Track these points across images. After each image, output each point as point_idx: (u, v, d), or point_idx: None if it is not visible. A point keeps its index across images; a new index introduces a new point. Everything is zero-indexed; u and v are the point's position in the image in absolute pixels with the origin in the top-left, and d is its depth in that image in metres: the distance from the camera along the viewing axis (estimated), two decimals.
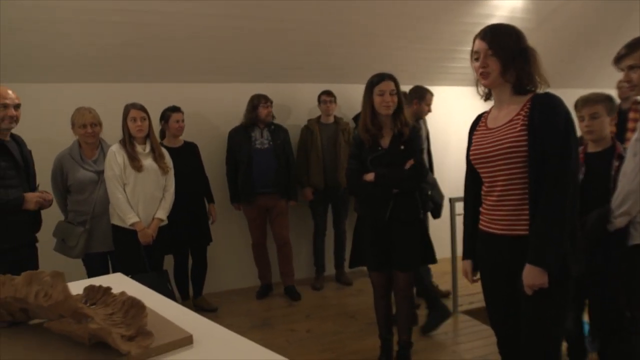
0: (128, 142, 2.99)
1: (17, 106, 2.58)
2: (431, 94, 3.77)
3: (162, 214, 3.07)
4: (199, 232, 3.67)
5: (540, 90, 1.68)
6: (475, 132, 1.82)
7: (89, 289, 1.05)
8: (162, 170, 3.07)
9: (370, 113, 2.51)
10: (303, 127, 4.30)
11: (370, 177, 2.52)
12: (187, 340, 0.94)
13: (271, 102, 3.93)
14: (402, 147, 2.50)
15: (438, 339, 3.26)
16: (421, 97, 3.72)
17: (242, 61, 4.09)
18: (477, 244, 1.86)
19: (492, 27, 1.68)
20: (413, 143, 2.52)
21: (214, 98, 4.25)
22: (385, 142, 2.54)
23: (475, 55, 1.70)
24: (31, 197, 2.58)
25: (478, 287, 3.82)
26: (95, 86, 3.80)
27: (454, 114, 5.16)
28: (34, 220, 2.71)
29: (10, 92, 2.57)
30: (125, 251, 2.97)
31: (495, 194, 1.71)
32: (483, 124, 1.80)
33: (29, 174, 2.71)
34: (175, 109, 3.61)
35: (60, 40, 3.42)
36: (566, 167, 1.55)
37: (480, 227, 1.82)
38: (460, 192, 2.13)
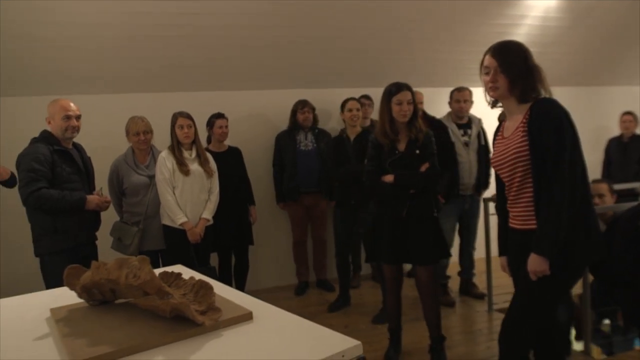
0: (176, 148, 3.21)
1: (78, 117, 2.83)
2: (457, 89, 3.89)
3: (208, 214, 3.28)
4: (241, 234, 3.87)
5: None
6: (495, 140, 2.03)
7: (163, 274, 1.24)
8: (207, 174, 3.28)
9: (388, 120, 2.72)
10: (340, 130, 4.46)
11: (389, 178, 2.73)
12: (248, 316, 1.10)
13: (311, 108, 4.14)
14: (418, 151, 2.72)
15: (472, 336, 3.34)
16: (449, 99, 3.91)
17: (285, 68, 4.30)
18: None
19: (502, 45, 1.84)
20: (427, 147, 2.75)
21: (258, 104, 4.48)
22: (402, 146, 2.76)
23: (485, 69, 1.87)
24: (92, 199, 2.84)
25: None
26: (145, 96, 4.07)
27: (489, 116, 5.19)
28: (95, 220, 2.97)
29: (72, 104, 2.82)
30: (175, 249, 3.19)
31: (512, 194, 1.91)
32: (500, 132, 1.99)
33: (89, 179, 2.98)
34: (219, 116, 3.82)
35: (112, 56, 3.71)
36: (561, 165, 1.71)
37: (508, 223, 1.99)
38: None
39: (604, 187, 3.19)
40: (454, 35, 4.44)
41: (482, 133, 3.94)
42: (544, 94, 1.83)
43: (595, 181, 3.22)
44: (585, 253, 1.80)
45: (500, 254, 2.12)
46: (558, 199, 1.71)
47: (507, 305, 3.74)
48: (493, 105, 1.98)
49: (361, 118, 4.39)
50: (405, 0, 3.94)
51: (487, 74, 1.86)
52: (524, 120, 1.81)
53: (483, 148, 3.91)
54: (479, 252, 4.11)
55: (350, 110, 3.76)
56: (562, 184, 1.70)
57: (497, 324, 3.57)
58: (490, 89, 1.86)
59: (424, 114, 4.44)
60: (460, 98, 3.84)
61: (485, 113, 4.37)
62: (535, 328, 1.90)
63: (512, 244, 1.98)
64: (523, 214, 1.87)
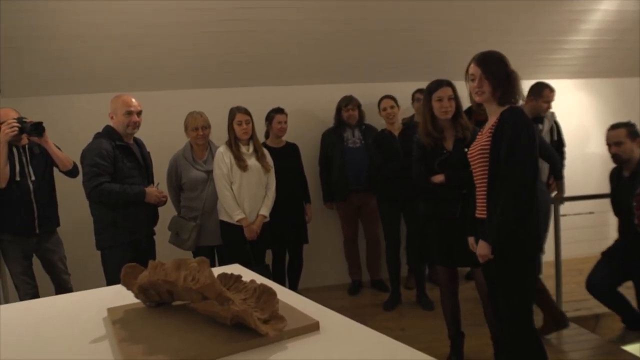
0: (233, 143, 3.18)
1: (139, 113, 2.86)
2: (550, 90, 3.61)
3: (266, 210, 3.23)
4: (296, 232, 3.79)
5: (518, 104, 2.14)
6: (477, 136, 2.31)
7: (222, 276, 1.16)
8: (264, 169, 3.23)
9: (430, 118, 2.65)
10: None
11: (439, 178, 2.62)
12: (314, 327, 1.00)
13: (356, 105, 3.99)
14: (466, 149, 2.53)
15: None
16: (537, 94, 3.61)
17: (338, 62, 4.19)
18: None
19: (485, 56, 2.15)
20: None
21: (309, 100, 4.39)
22: (449, 145, 2.65)
23: (471, 76, 2.15)
24: (151, 192, 2.87)
25: (585, 293, 3.61)
26: (201, 92, 4.09)
27: (555, 108, 4.88)
28: (153, 215, 2.99)
29: (133, 100, 2.86)
30: (232, 245, 3.16)
31: (476, 184, 2.22)
32: (480, 131, 2.26)
33: (148, 173, 3.00)
34: (278, 111, 3.75)
35: (172, 53, 3.75)
36: (512, 166, 1.98)
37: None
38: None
39: (621, 133, 3.07)
40: (518, 24, 4.16)
41: (554, 127, 3.68)
42: (520, 100, 2.15)
43: (612, 127, 3.20)
44: (531, 246, 2.10)
45: (470, 234, 2.37)
46: (507, 195, 2.00)
47: (577, 314, 3.55)
48: (478, 106, 2.32)
49: (417, 113, 4.24)
50: None
51: (472, 80, 2.15)
52: (494, 124, 2.09)
53: (555, 143, 3.64)
54: (547, 255, 3.85)
55: (385, 109, 3.72)
56: (511, 183, 1.99)
57: (567, 335, 3.31)
58: (477, 94, 2.13)
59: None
60: (551, 99, 3.59)
61: (560, 106, 4.06)
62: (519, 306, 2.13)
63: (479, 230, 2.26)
64: (480, 204, 2.18)
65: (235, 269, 1.66)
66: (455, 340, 2.85)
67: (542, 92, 3.58)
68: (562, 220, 3.53)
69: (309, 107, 4.40)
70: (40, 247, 2.98)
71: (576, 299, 3.83)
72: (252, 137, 3.24)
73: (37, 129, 2.80)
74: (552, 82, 4.94)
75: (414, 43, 4.16)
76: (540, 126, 3.61)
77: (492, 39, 4.25)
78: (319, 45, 3.98)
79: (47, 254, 3.02)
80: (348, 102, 3.98)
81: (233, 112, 3.19)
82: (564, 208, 3.59)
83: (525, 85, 4.09)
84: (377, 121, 4.15)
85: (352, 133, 4.02)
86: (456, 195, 2.58)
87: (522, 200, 1.99)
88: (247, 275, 1.51)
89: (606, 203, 3.49)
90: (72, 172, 3.05)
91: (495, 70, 2.10)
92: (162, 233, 3.19)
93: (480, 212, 2.18)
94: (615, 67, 4.96)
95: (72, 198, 3.23)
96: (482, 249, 2.12)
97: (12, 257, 2.92)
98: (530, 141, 2.01)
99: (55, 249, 3.04)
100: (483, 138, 2.14)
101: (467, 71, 2.19)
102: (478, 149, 2.15)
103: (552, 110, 3.71)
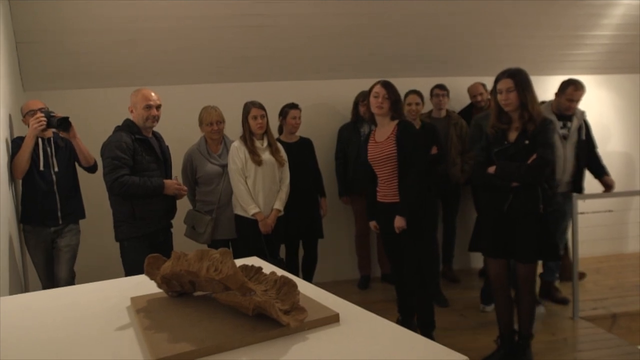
0: (248, 138, 3.20)
1: (158, 106, 2.89)
2: (575, 88, 3.52)
3: (280, 205, 3.25)
4: (311, 226, 3.80)
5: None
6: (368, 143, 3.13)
7: (243, 268, 1.17)
8: (278, 163, 3.25)
9: (496, 110, 2.68)
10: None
11: (492, 169, 2.65)
12: (334, 318, 1.01)
13: None
14: (527, 141, 2.57)
15: (557, 345, 3.10)
16: (560, 90, 3.56)
17: (356, 57, 4.19)
18: None
19: (386, 82, 2.99)
20: (537, 138, 2.56)
21: (326, 95, 4.40)
22: (513, 136, 2.66)
23: (375, 94, 2.97)
24: (170, 184, 2.90)
25: (601, 292, 3.58)
26: (215, 87, 4.12)
27: (596, 106, 4.80)
28: (171, 208, 3.02)
29: (153, 94, 2.88)
30: (247, 239, 3.19)
31: (383, 179, 2.99)
32: (372, 138, 3.09)
33: (167, 167, 3.03)
34: (293, 106, 3.75)
35: (189, 47, 3.77)
36: (416, 162, 2.87)
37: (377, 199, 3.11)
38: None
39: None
40: (538, 19, 4.12)
41: (583, 126, 3.60)
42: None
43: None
44: (429, 216, 3.06)
45: (371, 219, 3.16)
46: (413, 183, 2.84)
47: (594, 312, 3.52)
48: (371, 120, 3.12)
49: (436, 109, 4.21)
50: None
51: (376, 97, 2.91)
52: (394, 133, 2.88)
53: (583, 143, 3.57)
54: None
55: (410, 104, 3.76)
56: (415, 174, 2.84)
57: (583, 334, 3.29)
58: (377, 108, 2.91)
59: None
60: (574, 98, 3.50)
61: (589, 105, 3.96)
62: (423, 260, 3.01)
63: (381, 212, 3.02)
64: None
65: (254, 261, 1.67)
66: (505, 340, 2.80)
67: (565, 89, 3.53)
68: (580, 218, 3.49)
69: (326, 102, 4.42)
70: (59, 236, 3.02)
71: (593, 298, 3.80)
72: (267, 131, 3.25)
73: (64, 123, 2.85)
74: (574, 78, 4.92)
75: (432, 38, 4.13)
76: (568, 123, 3.54)
77: (510, 34, 4.22)
78: (336, 40, 3.98)
79: (60, 242, 3.01)
80: (365, 96, 3.96)
81: (248, 106, 3.21)
82: (583, 206, 3.55)
83: (546, 81, 4.07)
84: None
85: (369, 128, 4.01)
86: (507, 187, 2.61)
87: (422, 184, 2.92)
88: (267, 267, 1.52)
89: (625, 201, 3.45)
90: (92, 169, 3.13)
91: (395, 92, 2.95)
92: (178, 226, 3.23)
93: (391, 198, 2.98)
94: (636, 63, 4.87)
95: (94, 191, 3.29)
96: (400, 222, 2.86)
97: (32, 246, 2.99)
98: (425, 145, 3.19)
99: (70, 237, 3.05)
100: (387, 145, 2.94)
101: (370, 90, 2.97)
102: (386, 154, 2.92)
103: (582, 109, 3.63)
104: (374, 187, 3.05)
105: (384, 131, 2.94)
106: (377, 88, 2.91)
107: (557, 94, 3.57)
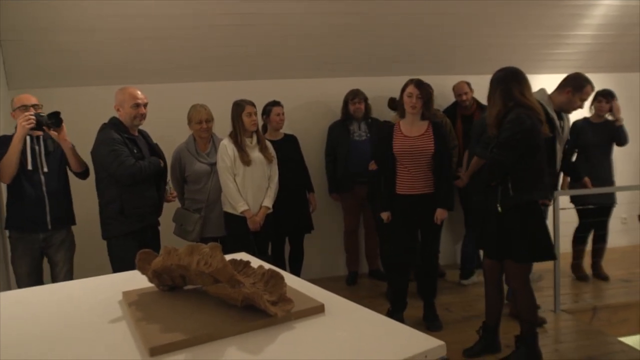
0: (239, 135, 3.21)
1: (145, 105, 2.89)
2: (592, 88, 3.19)
3: (269, 202, 3.28)
4: (299, 221, 3.84)
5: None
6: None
7: (232, 262, 1.21)
8: (267, 160, 3.28)
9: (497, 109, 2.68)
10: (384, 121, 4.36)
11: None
12: (320, 309, 1.06)
13: (363, 98, 4.06)
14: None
15: (539, 337, 3.17)
16: (578, 88, 3.13)
17: (345, 56, 4.23)
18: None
19: (420, 81, 3.05)
20: (499, 137, 2.57)
21: (316, 93, 4.43)
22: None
23: (409, 94, 3.05)
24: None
25: (582, 286, 3.65)
26: (202, 85, 4.11)
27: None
28: (159, 206, 3.04)
29: (139, 92, 2.87)
30: (236, 236, 3.21)
31: (413, 172, 3.12)
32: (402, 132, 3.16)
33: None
34: (275, 103, 3.80)
35: (176, 46, 3.78)
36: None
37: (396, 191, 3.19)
38: None
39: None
40: (518, 18, 4.19)
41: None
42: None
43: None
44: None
45: (386, 210, 3.15)
46: (449, 177, 3.18)
47: (574, 305, 3.61)
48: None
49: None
50: None
51: (409, 97, 3.00)
52: (429, 130, 3.07)
53: (570, 142, 3.57)
54: None
55: (410, 95, 3.32)
56: (449, 169, 3.19)
57: (564, 326, 3.38)
58: (411, 107, 3.01)
59: (478, 103, 4.24)
60: (587, 98, 3.21)
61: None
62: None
63: (407, 204, 3.08)
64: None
65: (242, 256, 1.71)
66: (489, 331, 2.86)
67: (585, 88, 3.13)
68: (562, 213, 3.56)
69: (316, 100, 4.45)
70: (48, 244, 2.80)
71: (571, 292, 3.89)
72: (257, 128, 3.29)
73: (54, 118, 2.64)
74: (552, 77, 4.98)
75: (420, 37, 4.19)
76: (561, 122, 3.25)
77: (494, 33, 4.29)
78: (324, 39, 4.01)
79: (54, 256, 2.84)
80: (355, 95, 4.05)
81: (241, 104, 3.22)
82: (564, 202, 3.63)
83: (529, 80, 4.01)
84: (383, 115, 4.21)
85: (359, 126, 4.10)
86: (485, 186, 2.67)
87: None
88: (255, 262, 1.56)
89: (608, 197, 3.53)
90: (83, 174, 2.94)
91: (428, 92, 3.07)
92: (166, 225, 3.24)
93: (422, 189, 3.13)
94: (617, 62, 4.98)
95: (84, 197, 3.15)
96: (443, 214, 3.08)
97: (19, 255, 2.74)
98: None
99: (65, 250, 2.86)
100: (424, 140, 3.12)
101: (403, 89, 3.05)
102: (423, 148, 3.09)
103: None
104: (393, 179, 3.09)
105: (417, 128, 3.08)
106: (411, 88, 2.98)
107: (569, 90, 3.13)
